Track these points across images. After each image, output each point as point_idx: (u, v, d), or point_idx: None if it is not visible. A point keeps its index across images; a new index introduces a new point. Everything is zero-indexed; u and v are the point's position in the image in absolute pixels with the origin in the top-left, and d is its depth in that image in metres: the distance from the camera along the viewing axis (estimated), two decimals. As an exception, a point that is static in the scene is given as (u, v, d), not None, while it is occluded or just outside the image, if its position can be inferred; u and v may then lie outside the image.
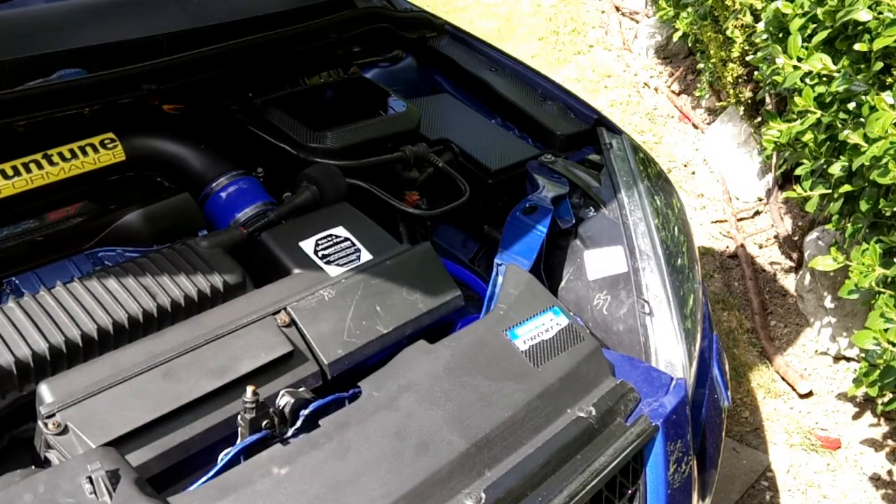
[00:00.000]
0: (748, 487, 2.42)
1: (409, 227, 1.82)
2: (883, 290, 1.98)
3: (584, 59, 4.62)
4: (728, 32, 3.18)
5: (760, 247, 3.28)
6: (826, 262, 2.19)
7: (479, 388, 1.26)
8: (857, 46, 1.98)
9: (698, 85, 4.04)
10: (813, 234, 2.88)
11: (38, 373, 1.22)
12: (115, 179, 1.64)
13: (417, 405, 1.21)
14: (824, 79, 2.09)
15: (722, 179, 3.61)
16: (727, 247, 3.33)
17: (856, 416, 2.61)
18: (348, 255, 1.48)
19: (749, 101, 3.37)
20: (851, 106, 2.04)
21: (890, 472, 2.44)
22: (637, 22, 4.75)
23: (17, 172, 1.48)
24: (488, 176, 1.84)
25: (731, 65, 3.32)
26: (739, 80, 3.34)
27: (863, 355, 2.14)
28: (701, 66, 3.93)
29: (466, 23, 4.96)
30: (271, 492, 1.06)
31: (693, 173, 3.76)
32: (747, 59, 2.93)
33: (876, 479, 2.43)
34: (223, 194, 1.65)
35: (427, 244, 1.56)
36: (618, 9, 4.92)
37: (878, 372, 1.99)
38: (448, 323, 1.53)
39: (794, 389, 2.71)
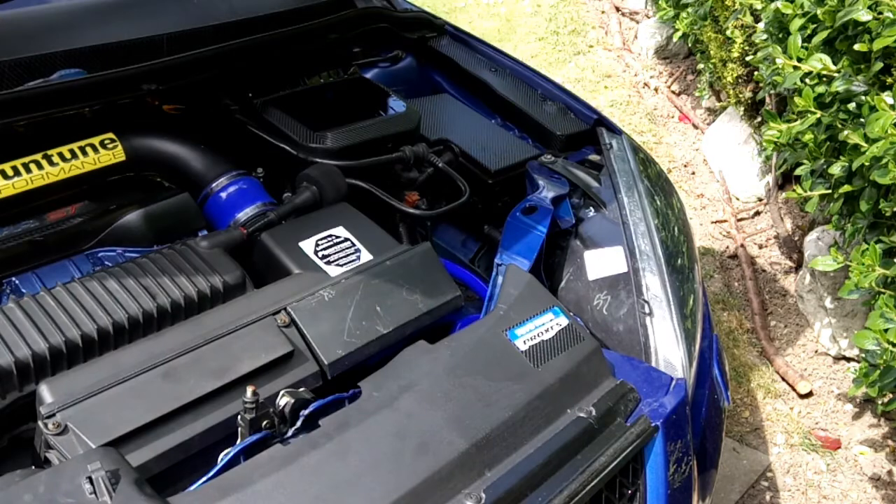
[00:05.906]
0: (748, 488, 2.42)
1: (409, 227, 1.82)
2: (883, 290, 1.98)
3: (584, 60, 4.62)
4: (728, 32, 3.18)
5: (760, 247, 3.28)
6: (826, 263, 2.18)
7: (479, 389, 1.26)
8: (857, 46, 1.98)
9: (698, 85, 4.04)
10: (813, 235, 2.88)
11: (38, 373, 1.22)
12: (115, 179, 1.64)
13: (417, 405, 1.21)
14: (824, 79, 2.09)
15: (722, 180, 3.61)
16: (727, 247, 3.33)
17: (856, 417, 2.61)
18: (348, 255, 1.48)
19: (749, 101, 3.37)
20: (851, 106, 2.04)
21: (890, 472, 2.44)
22: (637, 22, 4.75)
23: (17, 172, 1.48)
24: (488, 176, 1.84)
25: (731, 65, 3.32)
26: (739, 80, 3.34)
27: (863, 355, 2.14)
28: (701, 66, 3.93)
29: (466, 23, 4.97)
30: (271, 492, 1.06)
31: (693, 173, 3.76)
32: (747, 59, 2.92)
33: (876, 479, 2.43)
34: (223, 194, 1.65)
35: (427, 244, 1.56)
36: (618, 9, 4.92)
37: (878, 372, 1.99)
38: (448, 323, 1.53)
39: (794, 389, 2.71)
